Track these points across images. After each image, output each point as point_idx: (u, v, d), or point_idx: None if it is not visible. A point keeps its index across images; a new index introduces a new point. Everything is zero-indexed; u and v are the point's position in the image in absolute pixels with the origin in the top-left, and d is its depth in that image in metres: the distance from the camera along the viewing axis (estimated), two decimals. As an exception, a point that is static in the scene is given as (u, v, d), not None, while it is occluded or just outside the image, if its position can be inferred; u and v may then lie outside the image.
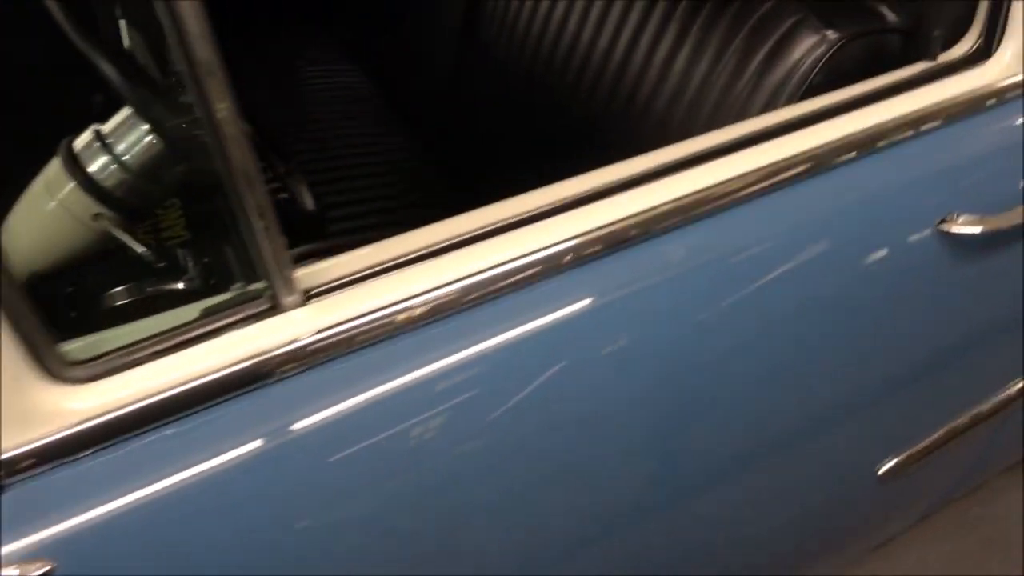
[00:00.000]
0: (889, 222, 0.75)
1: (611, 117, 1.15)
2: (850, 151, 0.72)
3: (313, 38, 1.88)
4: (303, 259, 0.63)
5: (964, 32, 0.82)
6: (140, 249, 0.81)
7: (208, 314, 0.57)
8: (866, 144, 0.73)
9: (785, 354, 0.76)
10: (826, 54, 0.85)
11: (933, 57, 0.79)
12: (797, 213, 0.72)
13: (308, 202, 0.97)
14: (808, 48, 0.87)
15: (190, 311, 0.57)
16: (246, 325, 0.57)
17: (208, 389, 0.55)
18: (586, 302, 0.66)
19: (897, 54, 0.88)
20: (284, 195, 1.07)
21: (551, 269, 0.64)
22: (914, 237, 0.75)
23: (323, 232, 0.99)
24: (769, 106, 0.91)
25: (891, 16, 0.88)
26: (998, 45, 0.78)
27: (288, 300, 0.58)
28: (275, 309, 0.58)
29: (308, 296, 0.59)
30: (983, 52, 0.78)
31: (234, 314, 0.57)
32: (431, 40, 1.56)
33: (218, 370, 0.55)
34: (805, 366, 0.78)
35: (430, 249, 0.64)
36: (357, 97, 1.74)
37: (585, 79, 1.19)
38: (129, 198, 0.88)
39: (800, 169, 0.71)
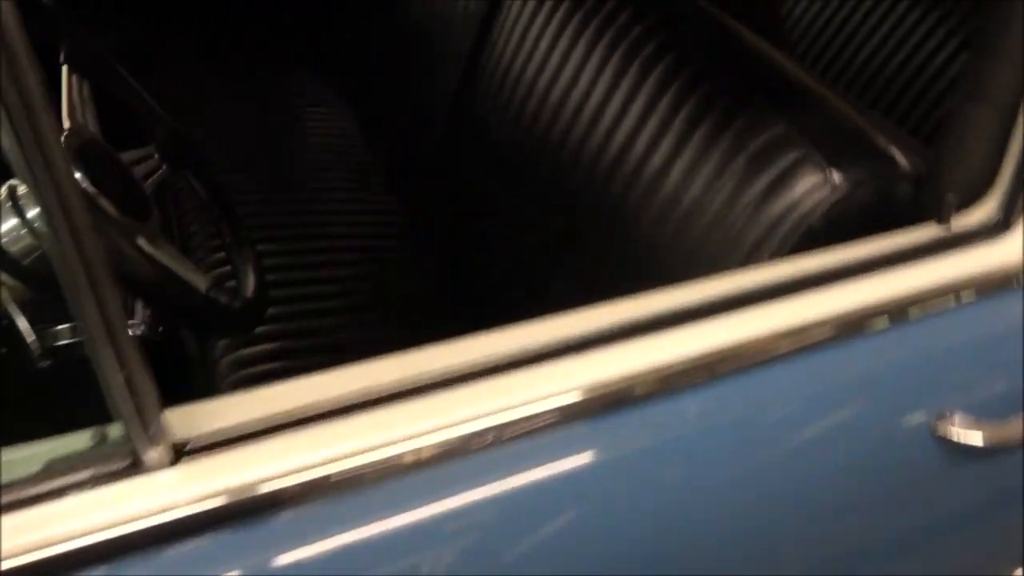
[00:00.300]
0: (885, 408, 0.67)
1: (600, 215, 1.07)
2: (866, 320, 0.66)
3: (314, 81, 1.81)
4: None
5: (982, 192, 0.74)
6: (31, 338, 0.72)
7: (51, 468, 0.47)
8: (875, 316, 0.66)
9: (775, 527, 0.69)
10: (830, 198, 0.77)
11: (945, 221, 0.71)
12: (790, 386, 0.66)
13: (249, 286, 0.88)
14: (810, 188, 0.79)
15: (30, 461, 0.47)
16: (97, 487, 0.47)
17: (41, 568, 0.45)
18: (576, 464, 0.58)
19: (907, 200, 0.80)
20: (221, 253, 0.97)
21: (533, 430, 0.57)
22: (908, 430, 0.66)
23: (254, 324, 0.90)
24: (765, 241, 0.82)
25: (902, 161, 0.80)
26: (1020, 218, 0.70)
27: (152, 457, 0.48)
28: (135, 468, 0.48)
29: (180, 452, 0.49)
30: (1002, 224, 0.70)
31: (83, 470, 0.47)
32: (425, 105, 1.49)
33: (57, 543, 0.45)
34: (795, 538, 0.71)
35: (360, 399, 0.55)
36: (346, 149, 1.66)
37: (577, 172, 1.11)
38: (38, 268, 0.79)
39: (790, 345, 0.63)
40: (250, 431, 0.52)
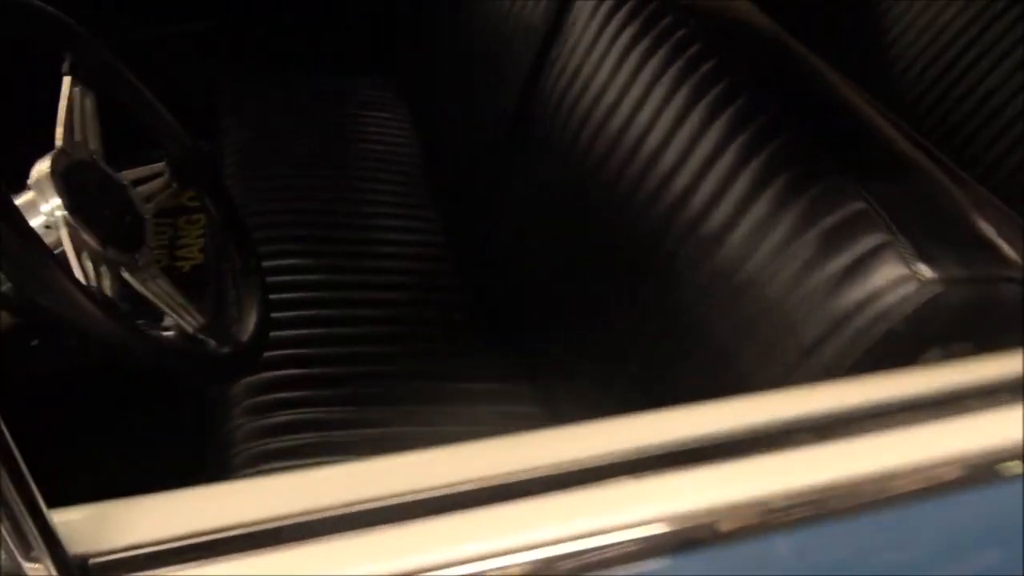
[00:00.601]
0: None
1: (649, 264, 0.95)
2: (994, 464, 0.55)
3: (378, 87, 1.74)
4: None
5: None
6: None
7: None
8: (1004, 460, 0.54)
9: None
10: (915, 297, 0.64)
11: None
12: (901, 533, 0.55)
13: (246, 329, 0.80)
14: (892, 281, 0.66)
15: None
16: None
17: None
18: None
19: (1015, 305, 0.67)
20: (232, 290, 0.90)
21: (598, 563, 0.47)
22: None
23: (244, 373, 0.82)
24: (832, 335, 0.69)
25: (1012, 256, 0.67)
26: None
27: (41, 580, 0.40)
28: (21, 593, 0.40)
29: (80, 574, 0.41)
30: None
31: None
32: (483, 120, 1.40)
33: None
34: None
35: (356, 510, 0.45)
36: (400, 159, 1.59)
37: (630, 212, 0.99)
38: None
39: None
40: (188, 544, 0.43)
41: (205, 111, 1.56)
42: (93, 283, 0.67)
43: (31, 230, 0.60)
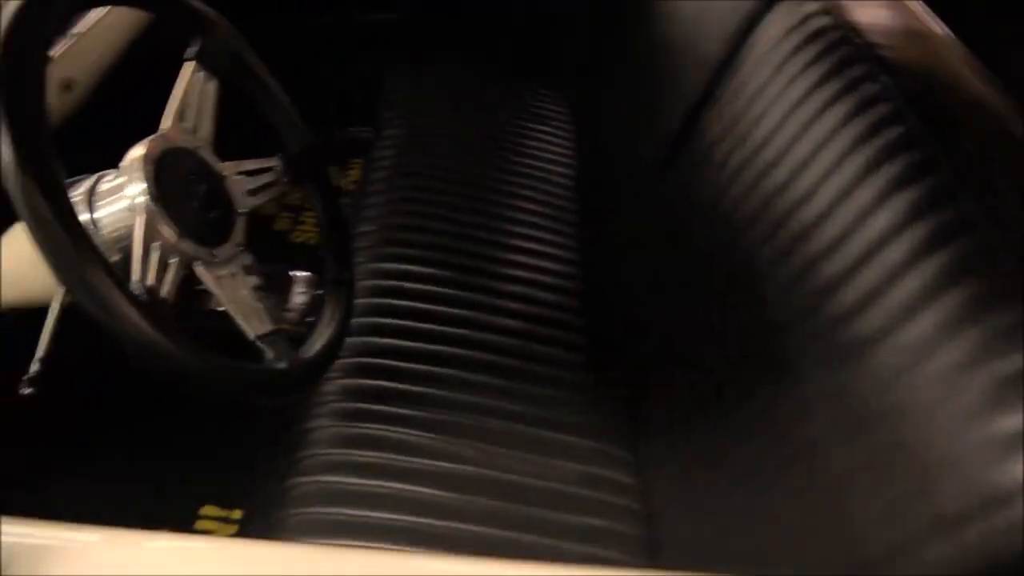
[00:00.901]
0: None
1: (777, 354, 0.80)
2: None
3: (549, 99, 1.68)
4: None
5: None
6: (41, 353, 0.65)
7: None
8: None
9: None
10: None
11: None
12: None
13: (315, 344, 0.76)
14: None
15: None
16: None
17: None
18: None
19: None
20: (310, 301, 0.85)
21: None
22: None
23: (297, 392, 0.77)
24: (983, 518, 0.52)
25: None
26: None
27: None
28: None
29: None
30: None
31: None
32: (639, 155, 1.29)
33: None
34: None
35: None
36: (549, 178, 1.51)
37: (769, 286, 0.85)
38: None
39: None
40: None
41: (369, 101, 1.57)
42: (152, 276, 0.65)
43: (74, 218, 0.58)
